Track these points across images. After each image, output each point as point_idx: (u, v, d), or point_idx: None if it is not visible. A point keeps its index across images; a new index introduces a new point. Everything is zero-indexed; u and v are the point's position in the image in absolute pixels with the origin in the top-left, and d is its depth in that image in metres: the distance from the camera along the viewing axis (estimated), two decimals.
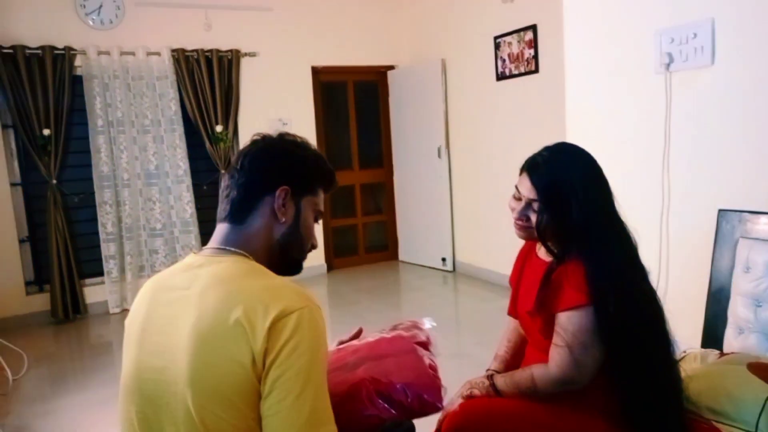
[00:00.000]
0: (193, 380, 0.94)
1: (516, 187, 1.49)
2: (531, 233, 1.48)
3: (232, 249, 1.09)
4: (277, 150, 1.16)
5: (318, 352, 0.95)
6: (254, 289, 0.99)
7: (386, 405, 1.21)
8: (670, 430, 1.36)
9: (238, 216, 1.12)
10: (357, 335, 1.48)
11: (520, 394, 1.46)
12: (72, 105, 4.56)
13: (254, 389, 0.93)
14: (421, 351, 1.31)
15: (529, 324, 1.57)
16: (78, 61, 4.57)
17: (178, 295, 1.04)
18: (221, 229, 1.13)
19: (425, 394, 1.21)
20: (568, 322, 1.38)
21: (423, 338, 1.37)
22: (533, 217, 1.44)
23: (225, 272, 1.03)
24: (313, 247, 1.21)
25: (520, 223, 1.48)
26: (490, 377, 1.54)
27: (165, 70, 4.82)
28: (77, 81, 4.60)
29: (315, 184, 1.19)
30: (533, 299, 1.46)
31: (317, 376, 0.94)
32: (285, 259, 1.16)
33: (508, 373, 1.54)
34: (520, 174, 1.49)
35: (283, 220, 1.12)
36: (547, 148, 1.48)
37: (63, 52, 4.45)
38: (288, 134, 1.20)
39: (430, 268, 5.71)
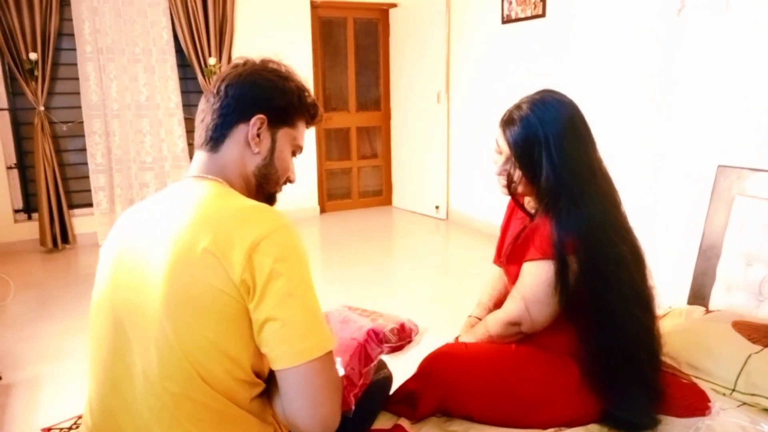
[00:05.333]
0: (170, 297, 0.92)
1: (496, 141, 1.45)
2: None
3: (210, 177, 1.06)
4: (256, 77, 1.09)
5: (303, 269, 0.95)
6: (227, 211, 0.97)
7: None
8: (643, 383, 1.35)
9: (212, 144, 1.08)
10: None
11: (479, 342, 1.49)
12: (60, 29, 4.39)
13: (240, 310, 0.92)
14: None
15: (507, 273, 1.57)
16: None
17: (155, 221, 1.02)
18: (198, 157, 1.10)
19: None
20: (526, 273, 1.40)
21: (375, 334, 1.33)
22: (513, 172, 1.42)
23: (201, 196, 1.01)
24: (290, 181, 1.18)
25: (501, 179, 1.45)
26: (457, 338, 1.59)
27: None
28: (65, 3, 4.41)
29: (294, 117, 1.13)
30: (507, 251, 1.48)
31: (306, 291, 0.94)
32: (260, 191, 1.13)
33: (471, 329, 1.58)
34: (499, 128, 1.44)
35: (257, 150, 1.08)
36: (526, 100, 1.40)
37: None
38: (272, 61, 1.14)
39: (423, 215, 5.67)
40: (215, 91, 1.09)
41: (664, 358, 1.50)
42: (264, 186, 1.12)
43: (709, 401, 1.38)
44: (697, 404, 1.38)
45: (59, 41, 4.44)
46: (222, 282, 0.90)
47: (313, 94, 1.17)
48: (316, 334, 0.94)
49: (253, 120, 1.07)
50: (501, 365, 1.39)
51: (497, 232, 1.71)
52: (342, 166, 6.00)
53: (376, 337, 1.33)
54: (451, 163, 5.41)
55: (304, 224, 5.29)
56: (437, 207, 5.52)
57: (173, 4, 4.65)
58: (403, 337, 1.38)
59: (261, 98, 1.08)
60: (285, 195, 1.19)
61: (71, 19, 4.40)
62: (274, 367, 0.94)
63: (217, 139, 1.07)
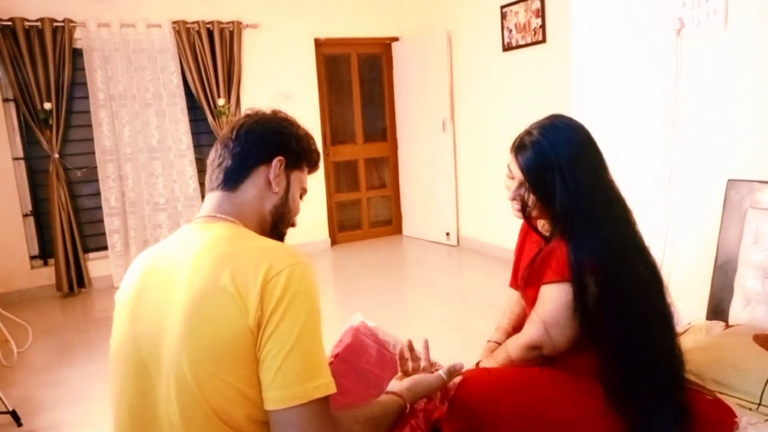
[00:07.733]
0: (188, 341, 0.93)
1: (508, 167, 1.47)
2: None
3: (223, 216, 1.10)
4: (274, 123, 1.19)
5: (310, 309, 0.95)
6: (243, 250, 0.99)
7: None
8: (668, 402, 1.33)
9: (231, 184, 1.13)
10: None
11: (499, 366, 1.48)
12: (73, 78, 4.52)
13: (252, 348, 0.92)
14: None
15: (524, 297, 1.57)
16: (78, 34, 4.51)
17: (170, 263, 1.04)
18: (213, 197, 1.14)
19: None
20: (545, 296, 1.40)
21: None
22: (526, 197, 1.43)
23: (215, 237, 1.03)
24: (293, 225, 1.23)
25: (515, 204, 1.47)
26: (477, 364, 1.58)
27: (166, 43, 4.76)
28: (77, 54, 4.55)
29: (303, 162, 1.22)
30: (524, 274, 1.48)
31: (310, 332, 0.94)
32: (274, 230, 1.18)
33: (492, 354, 1.57)
34: (510, 153, 1.46)
35: (277, 190, 1.15)
36: (537, 126, 1.42)
37: (63, 24, 4.39)
38: (280, 111, 1.23)
39: (434, 242, 5.68)
40: (234, 137, 1.15)
41: (688, 375, 1.49)
42: (278, 224, 1.18)
43: (736, 416, 1.37)
44: (724, 420, 1.36)
45: (72, 90, 4.57)
46: (239, 324, 0.92)
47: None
48: (314, 378, 0.92)
49: (275, 161, 1.14)
50: (527, 389, 1.38)
51: (510, 256, 1.72)
52: (351, 197, 6.04)
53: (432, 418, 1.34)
54: (460, 190, 5.45)
55: (317, 257, 5.32)
56: (448, 234, 5.53)
57: (182, 49, 4.78)
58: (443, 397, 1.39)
59: (280, 142, 1.16)
60: (297, 229, 1.25)
61: (84, 69, 4.54)
62: (266, 407, 0.92)
63: (237, 179, 1.13)
